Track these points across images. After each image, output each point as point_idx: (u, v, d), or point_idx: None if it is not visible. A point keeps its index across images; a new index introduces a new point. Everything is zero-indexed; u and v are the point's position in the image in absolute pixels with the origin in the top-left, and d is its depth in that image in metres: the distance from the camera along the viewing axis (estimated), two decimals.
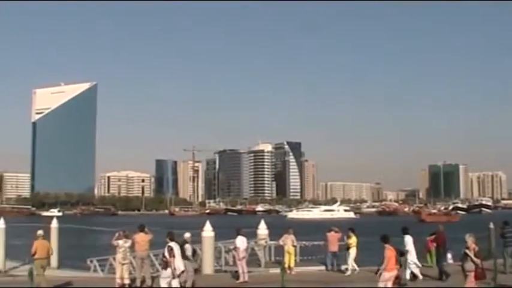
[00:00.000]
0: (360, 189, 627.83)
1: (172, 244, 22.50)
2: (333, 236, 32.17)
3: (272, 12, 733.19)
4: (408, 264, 26.57)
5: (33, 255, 25.59)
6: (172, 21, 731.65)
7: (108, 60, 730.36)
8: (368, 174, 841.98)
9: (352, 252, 30.83)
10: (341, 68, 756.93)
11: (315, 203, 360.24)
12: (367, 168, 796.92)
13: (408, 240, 27.04)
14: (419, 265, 27.82)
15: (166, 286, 22.00)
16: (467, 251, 21.07)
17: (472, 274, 20.67)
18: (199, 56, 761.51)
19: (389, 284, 20.60)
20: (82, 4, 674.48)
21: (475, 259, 20.59)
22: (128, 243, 25.24)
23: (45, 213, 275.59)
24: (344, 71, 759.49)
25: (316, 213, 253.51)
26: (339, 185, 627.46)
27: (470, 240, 21.09)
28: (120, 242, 25.06)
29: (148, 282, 25.91)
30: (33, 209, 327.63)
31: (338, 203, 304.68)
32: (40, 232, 26.31)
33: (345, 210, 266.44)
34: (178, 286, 22.13)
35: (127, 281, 25.23)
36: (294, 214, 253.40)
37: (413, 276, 27.27)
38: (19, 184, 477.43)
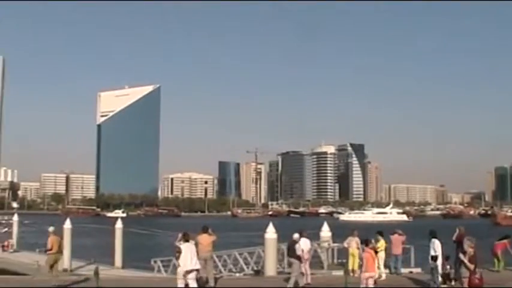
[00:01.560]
0: (424, 191, 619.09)
1: (183, 245, 22.93)
2: (397, 239, 31.67)
3: (344, 14, 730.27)
4: (438, 269, 25.47)
5: (50, 250, 26.16)
6: (234, 22, 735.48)
7: (171, 62, 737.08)
8: (432, 176, 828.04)
9: (381, 256, 30.35)
10: (405, 70, 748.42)
11: (378, 205, 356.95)
12: (432, 170, 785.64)
13: (436, 244, 26.13)
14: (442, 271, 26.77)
15: (181, 286, 22.96)
16: (461, 256, 20.58)
17: (466, 280, 20.18)
18: (262, 57, 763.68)
19: (370, 283, 22.40)
20: (145, 6, 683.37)
21: (468, 264, 20.01)
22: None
23: (109, 214, 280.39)
24: (408, 73, 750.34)
25: (369, 215, 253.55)
26: (403, 187, 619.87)
27: (466, 244, 20.52)
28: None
29: (211, 283, 25.92)
30: (98, 209, 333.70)
31: (391, 205, 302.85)
32: (52, 228, 27.06)
33: (398, 213, 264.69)
34: (183, 286, 22.76)
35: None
36: (346, 216, 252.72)
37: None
38: (84, 185, 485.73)
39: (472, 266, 20.01)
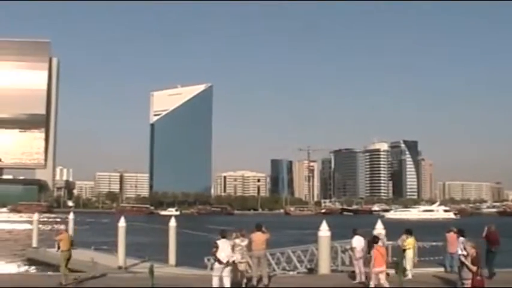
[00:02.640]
0: (480, 188, 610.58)
1: (220, 241, 23.56)
2: (453, 237, 31.20)
3: (397, 13, 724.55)
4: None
5: (59, 247, 26.49)
6: (285, 21, 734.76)
7: (223, 61, 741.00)
8: (488, 173, 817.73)
9: (409, 254, 30.01)
10: (458, 67, 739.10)
11: (433, 203, 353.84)
12: (487, 167, 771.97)
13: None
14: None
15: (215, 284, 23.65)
16: (462, 257, 20.24)
17: (469, 282, 19.84)
18: (314, 55, 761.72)
19: (382, 278, 23.54)
20: (196, 5, 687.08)
21: (470, 266, 19.69)
22: (245, 242, 25.30)
23: (163, 212, 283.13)
24: (461, 69, 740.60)
25: (415, 213, 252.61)
26: (457, 185, 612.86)
27: (468, 245, 20.13)
28: (237, 240, 25.16)
29: (265, 281, 25.88)
30: (152, 208, 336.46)
31: (437, 203, 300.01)
32: (63, 226, 27.66)
33: (445, 211, 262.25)
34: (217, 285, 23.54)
35: (244, 280, 25.35)
36: (392, 214, 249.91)
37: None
38: (138, 184, 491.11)
39: (474, 268, 19.79)
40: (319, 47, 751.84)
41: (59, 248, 26.84)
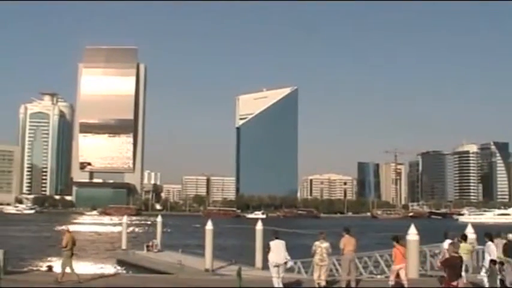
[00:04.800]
0: None
1: (273, 242, 24.17)
2: None
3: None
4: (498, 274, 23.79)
5: (65, 247, 26.67)
6: (372, 21, 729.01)
7: (308, 63, 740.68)
8: None
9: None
10: None
11: None
12: None
13: (492, 248, 24.63)
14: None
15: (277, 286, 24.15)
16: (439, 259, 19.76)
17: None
18: (400, 55, 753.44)
19: (402, 274, 25.04)
20: (280, 8, 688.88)
21: (438, 265, 19.25)
22: (324, 244, 25.11)
23: (249, 216, 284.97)
24: None
25: (489, 217, 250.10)
26: None
27: (450, 247, 19.40)
28: (317, 243, 25.05)
29: (353, 285, 25.73)
30: (238, 211, 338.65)
31: None
32: (67, 226, 28.03)
33: None
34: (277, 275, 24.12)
35: (323, 283, 25.21)
36: (466, 218, 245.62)
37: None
38: (225, 187, 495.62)
39: (438, 267, 19.60)
40: (406, 50, 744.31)
41: (66, 246, 27.14)
